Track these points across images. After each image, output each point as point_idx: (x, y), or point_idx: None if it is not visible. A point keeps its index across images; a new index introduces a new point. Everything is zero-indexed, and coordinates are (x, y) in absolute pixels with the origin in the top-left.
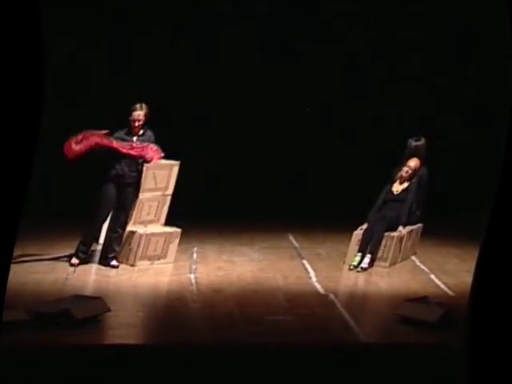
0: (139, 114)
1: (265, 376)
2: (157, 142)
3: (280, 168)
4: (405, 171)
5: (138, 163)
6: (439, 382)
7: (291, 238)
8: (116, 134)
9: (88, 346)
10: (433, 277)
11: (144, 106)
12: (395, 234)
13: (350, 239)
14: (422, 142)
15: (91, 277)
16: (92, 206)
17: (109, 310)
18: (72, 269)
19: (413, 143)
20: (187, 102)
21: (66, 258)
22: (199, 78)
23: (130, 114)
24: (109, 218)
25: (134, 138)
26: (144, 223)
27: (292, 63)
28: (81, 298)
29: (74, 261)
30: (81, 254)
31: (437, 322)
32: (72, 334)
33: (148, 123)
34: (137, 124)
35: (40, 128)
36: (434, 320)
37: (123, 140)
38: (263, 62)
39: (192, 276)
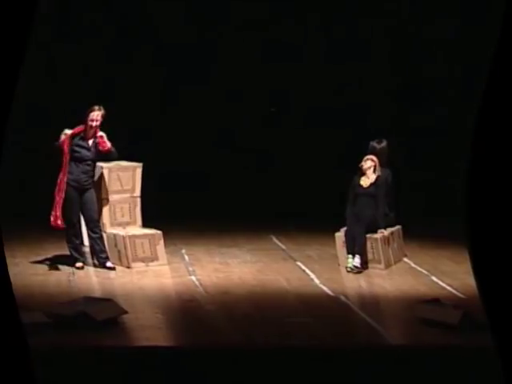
0: (97, 114)
1: (297, 378)
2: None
3: (252, 168)
4: (364, 163)
5: (91, 168)
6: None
7: (275, 239)
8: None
9: (117, 348)
10: (435, 279)
11: (102, 107)
12: (378, 235)
13: (333, 240)
14: (384, 144)
15: (93, 279)
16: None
17: (126, 312)
18: (71, 270)
19: (374, 145)
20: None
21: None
22: (170, 77)
23: (88, 115)
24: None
25: (90, 142)
26: (122, 225)
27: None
28: (93, 300)
29: (79, 264)
30: (80, 257)
31: (458, 324)
32: (97, 336)
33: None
34: (94, 124)
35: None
36: (455, 322)
37: (78, 146)
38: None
39: (194, 278)
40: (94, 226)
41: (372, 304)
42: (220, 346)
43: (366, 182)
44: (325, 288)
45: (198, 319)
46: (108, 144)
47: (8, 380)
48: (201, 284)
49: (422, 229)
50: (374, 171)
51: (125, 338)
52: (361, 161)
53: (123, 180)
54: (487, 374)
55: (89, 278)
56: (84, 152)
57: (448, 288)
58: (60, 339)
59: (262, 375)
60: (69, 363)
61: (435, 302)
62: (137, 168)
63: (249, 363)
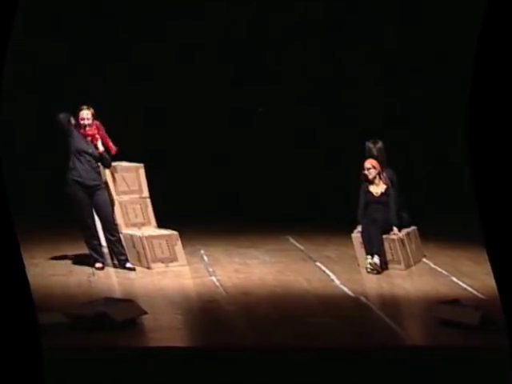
0: (87, 113)
1: (317, 378)
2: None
3: (266, 170)
4: (368, 174)
5: (95, 167)
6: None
7: (291, 240)
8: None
9: (137, 349)
10: (455, 279)
11: (90, 107)
12: (394, 236)
13: (349, 241)
14: (380, 144)
15: (113, 279)
16: (70, 212)
17: (146, 313)
18: (91, 271)
19: (370, 146)
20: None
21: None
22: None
23: (78, 115)
24: (98, 222)
25: (87, 141)
26: (137, 226)
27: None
28: (113, 301)
29: (99, 265)
30: (100, 258)
31: (478, 325)
32: (115, 337)
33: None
34: (86, 123)
35: None
36: (475, 322)
37: (81, 144)
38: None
39: (214, 278)
40: (112, 229)
41: (392, 305)
42: (240, 346)
43: (375, 189)
44: (345, 289)
45: (218, 320)
46: (101, 148)
47: (17, 380)
48: (221, 285)
49: (433, 228)
50: (380, 178)
51: (144, 339)
52: (362, 164)
53: (128, 181)
54: (506, 374)
55: (109, 279)
56: (85, 150)
57: (468, 289)
58: (80, 339)
59: (281, 376)
60: (88, 363)
61: (455, 302)
62: (139, 168)
63: (269, 364)
